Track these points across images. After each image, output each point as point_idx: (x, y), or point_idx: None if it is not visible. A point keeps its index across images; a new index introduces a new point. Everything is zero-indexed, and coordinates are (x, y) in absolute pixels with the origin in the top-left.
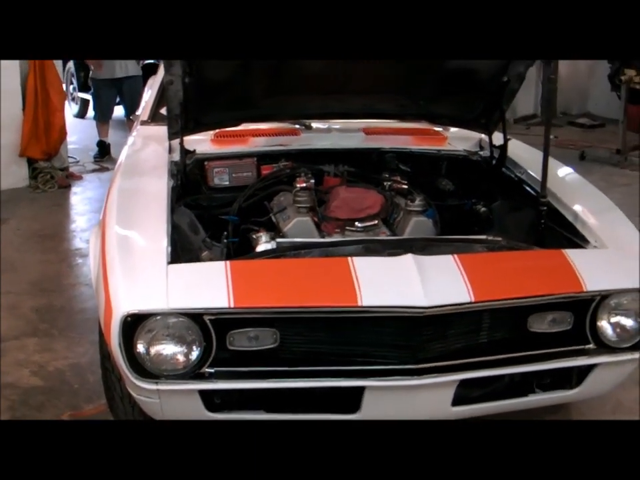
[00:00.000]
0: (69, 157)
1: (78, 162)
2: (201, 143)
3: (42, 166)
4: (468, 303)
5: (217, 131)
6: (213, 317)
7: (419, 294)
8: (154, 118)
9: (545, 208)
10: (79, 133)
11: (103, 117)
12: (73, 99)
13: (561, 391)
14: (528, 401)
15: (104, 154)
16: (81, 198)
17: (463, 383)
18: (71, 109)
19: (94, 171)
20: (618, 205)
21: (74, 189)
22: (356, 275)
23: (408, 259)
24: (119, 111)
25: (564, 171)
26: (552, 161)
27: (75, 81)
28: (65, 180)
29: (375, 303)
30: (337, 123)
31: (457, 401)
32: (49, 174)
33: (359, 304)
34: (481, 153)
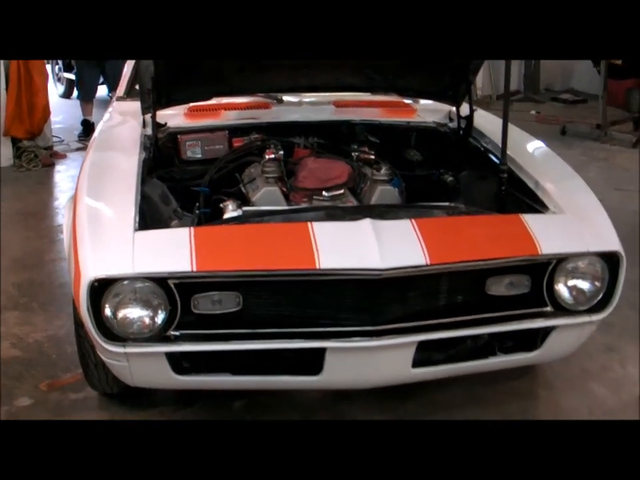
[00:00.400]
0: (53, 136)
1: (63, 141)
2: (175, 117)
3: (26, 145)
4: (424, 266)
5: (190, 105)
6: (177, 281)
7: (375, 257)
8: (129, 94)
9: (506, 175)
10: (64, 112)
11: (86, 96)
12: (59, 80)
13: (521, 353)
14: (489, 363)
15: (88, 132)
16: (64, 176)
17: (424, 346)
18: (56, 89)
19: (78, 149)
20: (596, 178)
21: (58, 167)
22: (315, 239)
23: (366, 223)
24: (103, 91)
25: (529, 141)
26: (518, 132)
27: (59, 62)
28: (48, 159)
29: (332, 265)
30: (308, 97)
31: (418, 364)
32: (32, 153)
33: (317, 267)
34: (450, 124)
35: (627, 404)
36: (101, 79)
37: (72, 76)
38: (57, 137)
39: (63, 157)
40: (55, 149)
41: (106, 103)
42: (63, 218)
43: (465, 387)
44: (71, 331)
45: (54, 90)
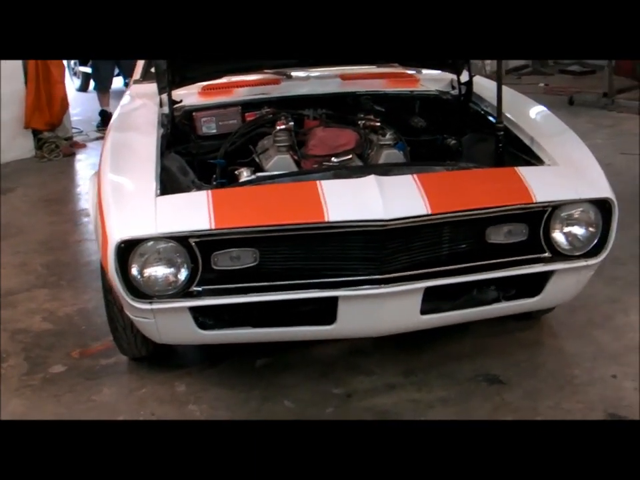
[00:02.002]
0: (72, 127)
1: (82, 132)
2: (189, 96)
3: (46, 136)
4: (425, 215)
5: (204, 84)
6: (197, 240)
7: (379, 208)
8: (145, 76)
9: (502, 133)
10: (81, 105)
11: (103, 87)
12: (75, 74)
13: (523, 299)
14: (494, 309)
15: (106, 123)
16: (85, 164)
17: (432, 295)
18: (73, 83)
19: (97, 139)
20: (603, 144)
21: (78, 157)
22: (323, 195)
23: (370, 179)
24: (118, 83)
25: (526, 102)
26: (516, 94)
27: None
28: (69, 149)
29: (340, 218)
30: (315, 71)
31: (426, 312)
32: (53, 143)
33: (326, 220)
34: (452, 92)
35: (630, 349)
36: (117, 71)
37: (88, 69)
38: (76, 128)
39: (83, 146)
40: (75, 139)
41: (122, 94)
42: (85, 203)
43: (474, 338)
44: (99, 304)
45: (70, 84)
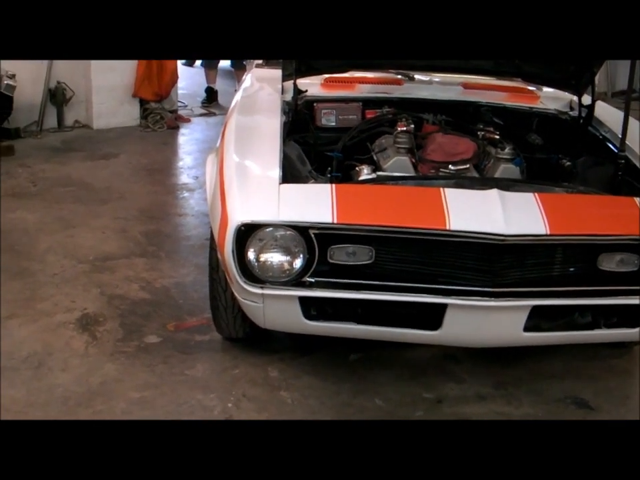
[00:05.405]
0: (178, 101)
1: (186, 106)
2: (312, 86)
3: (152, 107)
4: (544, 235)
5: (327, 76)
6: (317, 232)
7: (500, 223)
8: (267, 62)
9: (623, 161)
10: (187, 79)
11: (210, 64)
12: None
13: (624, 328)
14: (594, 334)
15: (211, 100)
16: (188, 139)
17: (536, 313)
18: None
19: (201, 115)
20: None
21: (182, 131)
22: (446, 203)
23: (493, 193)
24: (225, 62)
25: None
26: (636, 124)
27: None
28: (173, 121)
29: (461, 227)
30: (438, 76)
31: (529, 329)
32: (159, 115)
33: (448, 228)
34: (571, 113)
35: None
36: None
37: None
38: (181, 102)
39: (187, 120)
40: (179, 112)
41: (229, 73)
42: (187, 177)
43: (565, 360)
44: (197, 279)
45: None
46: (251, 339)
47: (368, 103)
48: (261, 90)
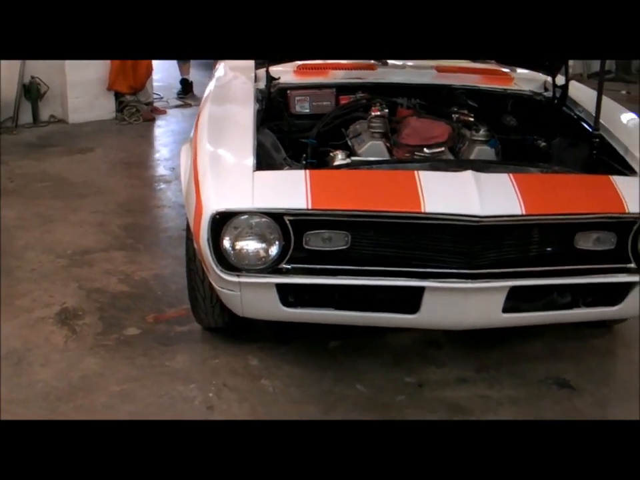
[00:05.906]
0: (153, 93)
1: (162, 98)
2: (285, 74)
3: (128, 99)
4: (519, 215)
5: (300, 63)
6: (292, 218)
7: (475, 204)
8: None
9: (597, 140)
10: (162, 71)
11: None
12: None
13: (603, 307)
14: (572, 314)
15: (187, 91)
16: (164, 130)
17: (514, 294)
18: None
19: (177, 106)
20: None
21: (158, 122)
22: (421, 186)
23: (468, 174)
24: None
25: (621, 111)
26: (611, 103)
27: None
28: (149, 114)
29: (436, 210)
30: (411, 61)
31: (508, 310)
32: (134, 107)
33: (423, 210)
34: (545, 94)
35: None
36: None
37: None
38: (156, 94)
39: (163, 112)
40: (155, 105)
41: (202, 64)
42: (164, 169)
43: (546, 341)
44: (175, 271)
45: None
46: (230, 329)
47: (342, 88)
48: (234, 79)
